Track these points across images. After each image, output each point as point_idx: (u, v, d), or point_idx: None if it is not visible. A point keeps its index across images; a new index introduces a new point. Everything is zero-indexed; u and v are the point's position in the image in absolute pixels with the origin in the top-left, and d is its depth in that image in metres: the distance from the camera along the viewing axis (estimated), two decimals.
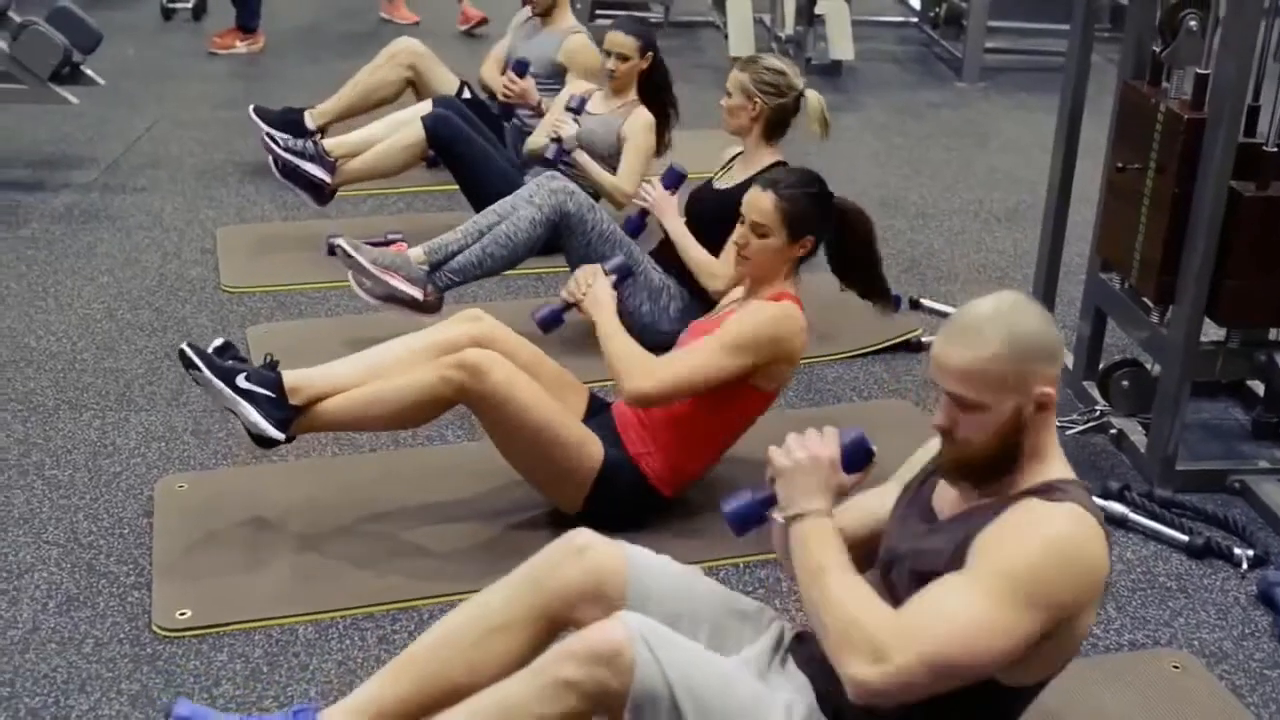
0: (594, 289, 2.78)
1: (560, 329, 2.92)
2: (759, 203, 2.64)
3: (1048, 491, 1.71)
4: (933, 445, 1.97)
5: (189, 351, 2.57)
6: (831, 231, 2.73)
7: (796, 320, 2.67)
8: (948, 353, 1.71)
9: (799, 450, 1.78)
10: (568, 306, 2.84)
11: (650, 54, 3.96)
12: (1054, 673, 1.80)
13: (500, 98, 4.36)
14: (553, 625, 1.93)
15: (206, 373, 2.57)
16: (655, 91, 3.97)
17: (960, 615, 1.61)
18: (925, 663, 1.60)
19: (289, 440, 2.66)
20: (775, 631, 1.97)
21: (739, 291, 2.86)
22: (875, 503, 1.97)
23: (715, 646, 1.89)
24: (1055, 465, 1.77)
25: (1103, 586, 1.71)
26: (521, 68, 4.27)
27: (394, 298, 3.45)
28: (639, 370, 2.63)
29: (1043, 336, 1.71)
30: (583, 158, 3.90)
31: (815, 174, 2.74)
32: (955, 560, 1.70)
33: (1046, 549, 1.63)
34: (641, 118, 3.93)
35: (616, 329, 2.71)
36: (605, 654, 1.71)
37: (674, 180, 3.50)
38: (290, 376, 2.63)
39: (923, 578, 1.71)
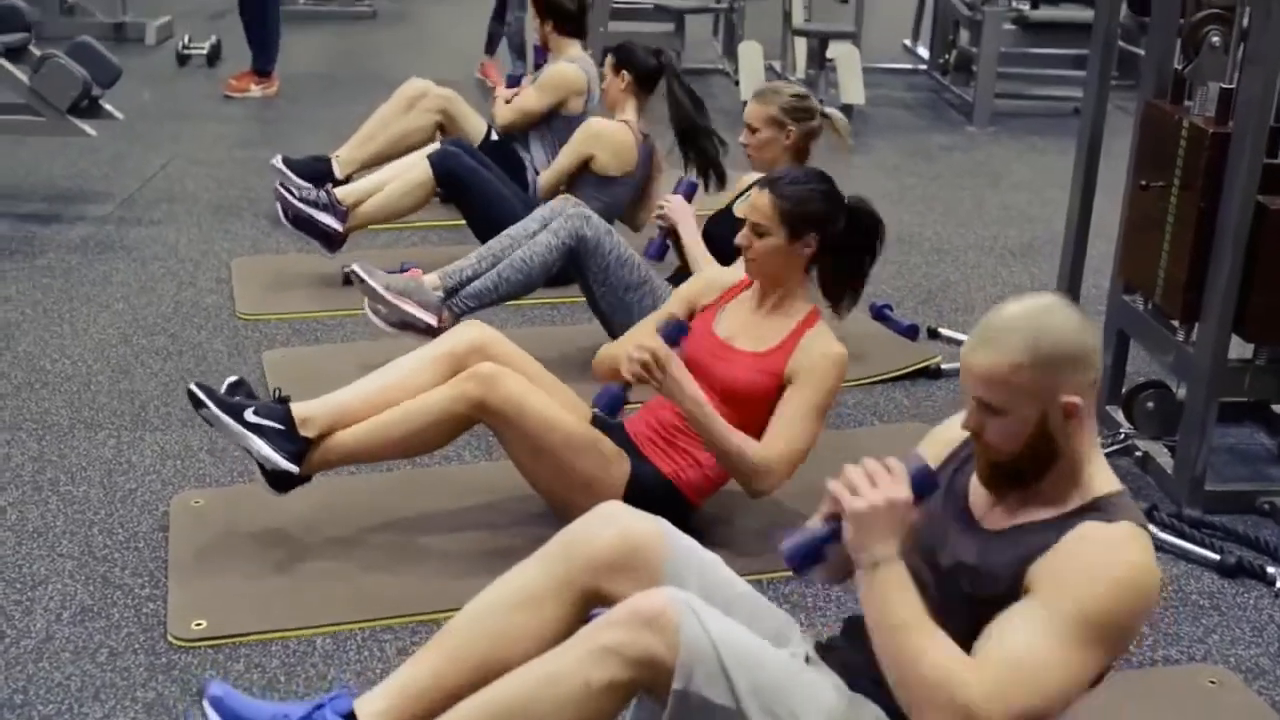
0: (669, 372, 2.47)
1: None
2: (758, 201, 2.62)
3: (1101, 510, 1.67)
4: (939, 431, 1.94)
5: (197, 391, 2.55)
6: (841, 233, 2.66)
7: (837, 344, 2.63)
8: (973, 356, 1.68)
9: (874, 494, 1.66)
10: (628, 386, 2.54)
11: (626, 72, 4.01)
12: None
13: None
14: (584, 598, 1.87)
15: (215, 409, 2.54)
16: (674, 115, 3.95)
17: (1045, 665, 1.58)
18: (1015, 717, 1.57)
19: (304, 479, 2.63)
20: (798, 639, 1.93)
21: (723, 277, 2.83)
22: None
23: None
24: (1101, 477, 1.72)
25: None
26: (513, 81, 4.55)
27: (408, 324, 3.43)
28: (762, 472, 2.55)
29: (1071, 344, 1.65)
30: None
31: (820, 171, 2.70)
32: (1013, 587, 1.65)
33: (1120, 585, 1.60)
34: (591, 125, 4.06)
35: (718, 422, 2.52)
36: (649, 617, 1.67)
37: (689, 189, 3.51)
38: (300, 408, 2.60)
39: (980, 604, 1.67)
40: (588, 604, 1.89)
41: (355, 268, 3.43)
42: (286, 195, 4.05)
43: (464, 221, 4.32)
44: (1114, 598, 1.59)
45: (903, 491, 1.67)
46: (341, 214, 4.11)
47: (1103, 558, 1.61)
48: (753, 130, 3.40)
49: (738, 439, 2.54)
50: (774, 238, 2.61)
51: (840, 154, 3.51)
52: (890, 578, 1.65)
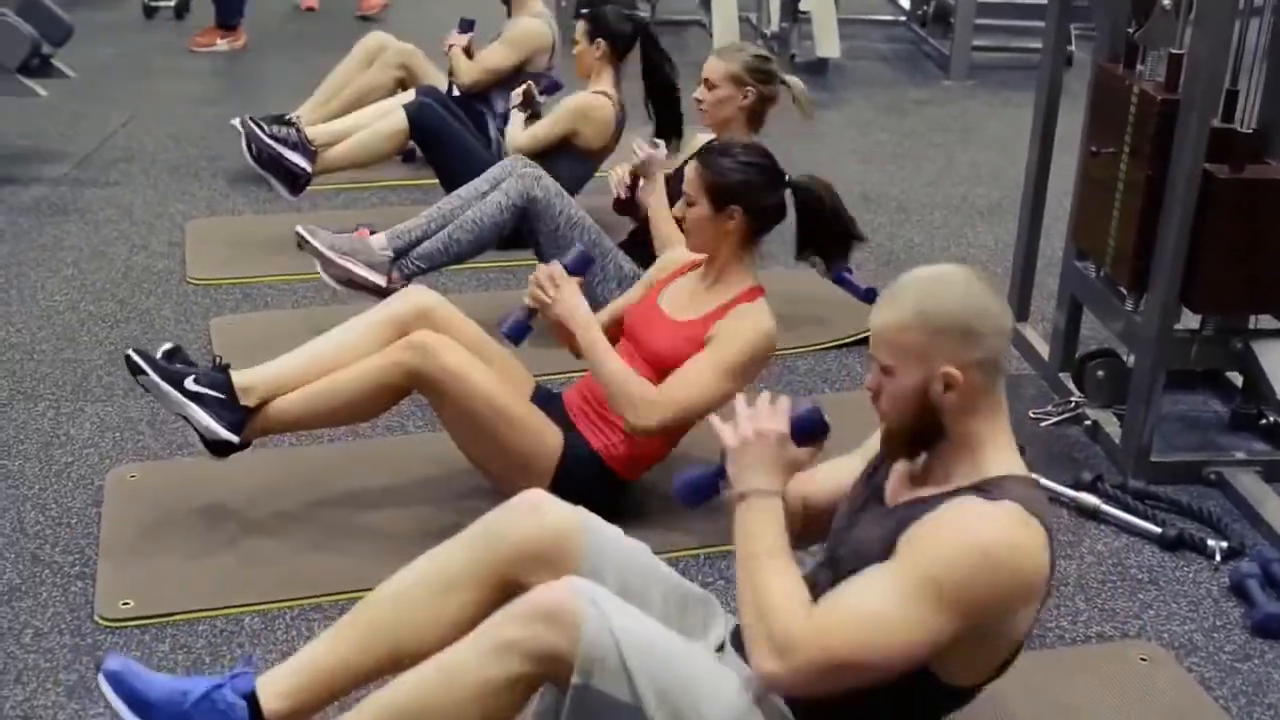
0: (561, 294, 2.57)
1: (502, 317, 2.83)
2: (688, 172, 2.61)
3: (985, 489, 1.64)
4: None
5: (135, 357, 2.51)
6: (771, 207, 2.61)
7: (771, 320, 2.61)
8: (874, 313, 1.71)
9: (747, 426, 1.73)
10: (533, 313, 2.63)
11: (601, 40, 3.92)
12: (993, 673, 1.73)
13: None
14: (502, 586, 1.84)
15: (153, 376, 2.51)
16: (648, 81, 3.89)
17: (870, 614, 1.57)
18: (829, 659, 1.56)
19: (244, 446, 2.60)
20: (722, 623, 1.91)
21: (674, 256, 2.81)
22: (844, 473, 1.92)
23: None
24: (999, 459, 1.69)
25: (1039, 589, 1.63)
26: (467, 25, 4.44)
27: (357, 284, 3.40)
28: (642, 405, 2.51)
29: (957, 314, 1.65)
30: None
31: (757, 146, 2.65)
32: (885, 553, 1.64)
33: (970, 550, 1.56)
34: (580, 101, 3.95)
35: (604, 348, 2.56)
36: (550, 611, 1.64)
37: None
38: (240, 377, 2.57)
39: (856, 569, 1.66)
40: (506, 593, 1.86)
41: (300, 229, 3.39)
42: (256, 131, 3.99)
43: (426, 181, 4.29)
44: (964, 562, 1.56)
45: (778, 424, 1.72)
46: (311, 154, 4.05)
47: (961, 523, 1.59)
48: (710, 86, 3.34)
49: (623, 371, 2.53)
50: (699, 208, 2.58)
51: (808, 116, 3.43)
52: (757, 509, 1.69)
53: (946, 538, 1.58)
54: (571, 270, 2.62)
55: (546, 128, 3.98)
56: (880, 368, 1.70)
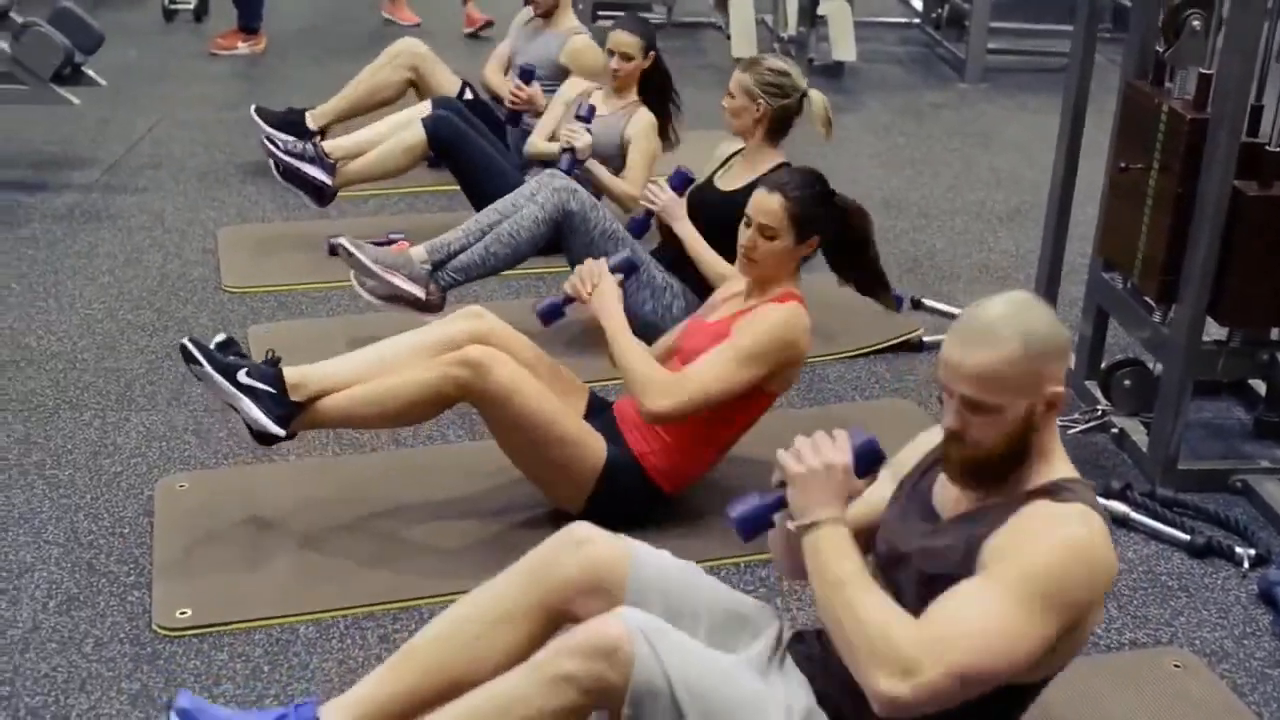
0: (600, 288, 2.74)
1: (562, 327, 2.92)
2: (767, 205, 2.64)
3: (1055, 492, 1.71)
4: (924, 439, 1.97)
5: (190, 346, 2.56)
6: (842, 234, 2.73)
7: (803, 320, 2.67)
8: (961, 356, 1.70)
9: (812, 457, 1.75)
10: (569, 300, 2.81)
11: (652, 53, 3.97)
12: (1058, 670, 1.80)
13: (508, 105, 4.34)
14: (552, 618, 1.92)
15: (207, 367, 2.56)
16: (657, 90, 3.97)
17: (986, 624, 1.61)
18: (956, 674, 1.60)
19: (290, 437, 2.65)
20: (774, 631, 1.97)
21: (735, 284, 2.86)
22: (875, 494, 1.94)
23: (714, 645, 1.88)
24: (1060, 464, 1.77)
25: (1113, 581, 1.72)
26: (528, 75, 4.28)
27: (397, 297, 3.45)
28: (656, 389, 2.60)
29: (1055, 336, 1.72)
30: (596, 167, 3.87)
31: (818, 173, 2.74)
32: (966, 562, 1.69)
33: (1064, 551, 1.64)
34: (644, 120, 3.93)
35: (628, 338, 2.67)
36: (604, 648, 1.71)
37: (682, 182, 3.49)
38: (291, 372, 2.62)
39: (932, 580, 1.71)
40: (556, 623, 1.94)
41: (344, 242, 3.44)
42: (274, 149, 4.06)
43: (451, 187, 4.32)
44: (1058, 562, 1.63)
45: (842, 456, 1.75)
46: (329, 167, 4.10)
47: (1047, 526, 1.66)
48: (730, 95, 3.41)
49: (641, 359, 2.65)
50: (781, 240, 2.64)
51: (831, 122, 3.46)
52: (830, 535, 1.71)
53: (1037, 544, 1.64)
54: (614, 269, 2.78)
55: (645, 160, 3.87)
56: (971, 407, 1.70)
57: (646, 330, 3.09)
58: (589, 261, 2.80)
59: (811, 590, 1.73)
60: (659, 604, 1.86)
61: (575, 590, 1.91)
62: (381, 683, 1.91)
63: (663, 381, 2.62)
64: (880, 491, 1.93)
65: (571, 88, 4.19)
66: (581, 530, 1.98)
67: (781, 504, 1.80)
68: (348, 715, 1.89)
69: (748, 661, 1.87)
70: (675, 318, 3.40)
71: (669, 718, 1.71)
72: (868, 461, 1.79)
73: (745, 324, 2.65)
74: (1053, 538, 1.65)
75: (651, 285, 3.46)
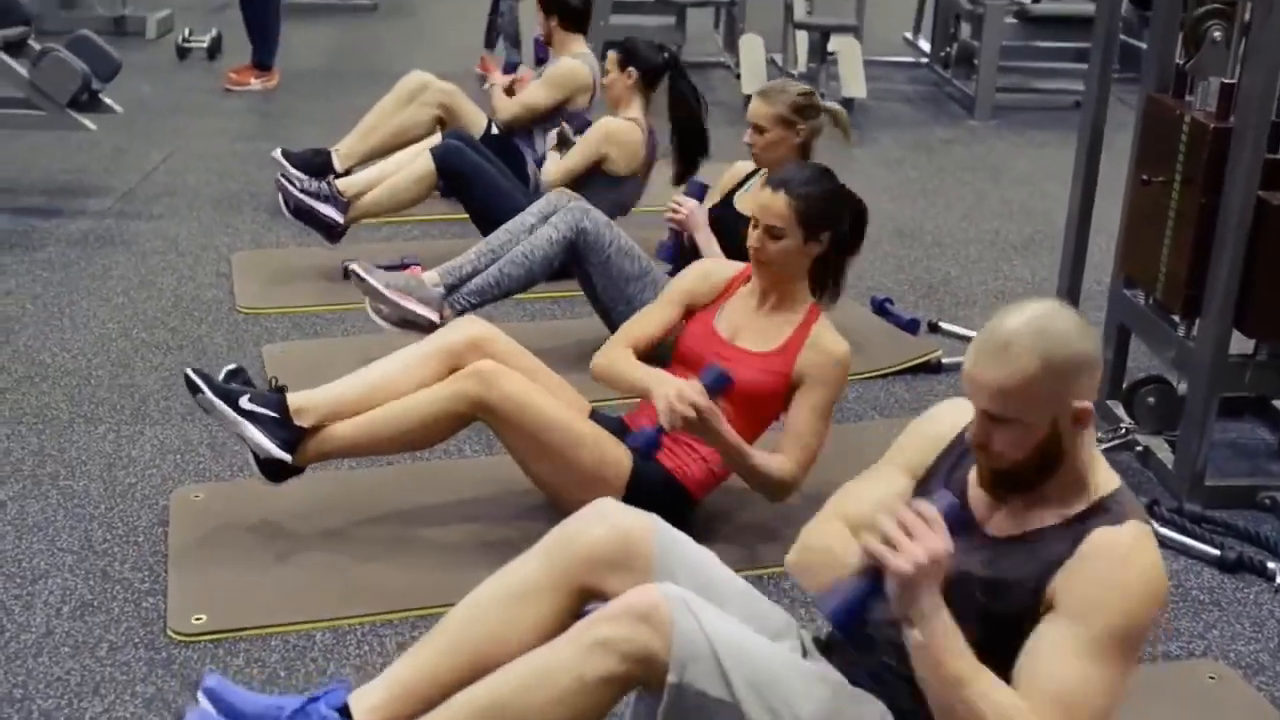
0: (712, 428, 2.48)
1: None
2: (771, 204, 2.60)
3: (1107, 510, 1.68)
4: (925, 427, 1.90)
5: (193, 376, 2.56)
6: (852, 229, 2.70)
7: (843, 344, 2.66)
8: (981, 370, 1.64)
9: (916, 549, 1.58)
10: (663, 432, 2.51)
11: (632, 69, 4.00)
12: None
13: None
14: (578, 592, 1.88)
15: (210, 395, 2.55)
16: (674, 113, 3.97)
17: (1096, 695, 1.60)
18: None
19: (298, 470, 2.63)
20: (795, 633, 1.93)
21: (717, 271, 2.82)
22: (881, 491, 1.85)
23: None
24: (1102, 474, 1.73)
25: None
26: (510, 68, 4.56)
27: (410, 321, 3.42)
28: (782, 482, 2.61)
29: (1079, 350, 1.63)
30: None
31: (824, 167, 2.70)
32: (1033, 601, 1.65)
33: (1143, 597, 1.63)
34: (606, 126, 4.05)
35: (748, 454, 2.57)
36: (641, 611, 1.67)
37: (699, 191, 3.50)
38: (295, 398, 2.60)
39: (996, 617, 1.67)
40: (582, 599, 1.90)
41: (355, 267, 3.42)
42: (288, 187, 4.06)
43: (464, 215, 4.32)
44: (1142, 610, 1.63)
45: (945, 543, 1.60)
46: (343, 205, 4.11)
47: (1123, 572, 1.63)
48: (760, 130, 3.36)
49: (762, 461, 2.59)
50: (789, 240, 2.60)
51: (842, 147, 3.50)
52: (940, 630, 1.61)
53: (1120, 593, 1.62)
54: (710, 388, 2.49)
55: (576, 156, 4.07)
56: (994, 419, 1.65)
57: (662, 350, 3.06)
58: (683, 387, 2.47)
59: (921, 677, 1.65)
60: (687, 580, 1.82)
61: (600, 562, 1.86)
62: (410, 665, 1.87)
63: (784, 475, 2.63)
64: (890, 488, 1.84)
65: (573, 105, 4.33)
66: (604, 503, 1.94)
67: (877, 591, 1.64)
68: (378, 697, 1.84)
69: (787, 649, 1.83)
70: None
71: (715, 683, 1.66)
72: (954, 528, 1.66)
73: (814, 379, 2.62)
74: (1132, 584, 1.62)
75: (656, 289, 3.43)
